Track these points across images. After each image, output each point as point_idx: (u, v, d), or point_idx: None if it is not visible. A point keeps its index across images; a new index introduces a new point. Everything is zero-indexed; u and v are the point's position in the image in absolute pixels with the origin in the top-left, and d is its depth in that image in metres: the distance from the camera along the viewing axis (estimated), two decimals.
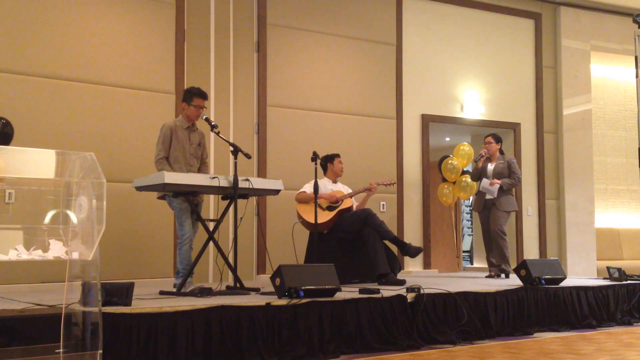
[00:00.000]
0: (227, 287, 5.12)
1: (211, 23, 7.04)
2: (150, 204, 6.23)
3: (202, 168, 5.51)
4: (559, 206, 9.21)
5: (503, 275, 6.85)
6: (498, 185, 6.86)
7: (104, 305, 3.51)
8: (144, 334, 3.61)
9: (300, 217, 6.34)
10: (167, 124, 5.32)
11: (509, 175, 6.92)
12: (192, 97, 5.31)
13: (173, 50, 6.78)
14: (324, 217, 6.28)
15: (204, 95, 5.35)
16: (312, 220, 5.96)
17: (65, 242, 2.98)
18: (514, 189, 7.14)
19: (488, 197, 6.98)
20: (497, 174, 6.94)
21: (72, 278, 3.00)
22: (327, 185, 6.52)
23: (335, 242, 6.36)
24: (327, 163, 6.61)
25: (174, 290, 4.93)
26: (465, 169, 8.39)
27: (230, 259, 5.28)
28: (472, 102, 8.70)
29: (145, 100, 6.59)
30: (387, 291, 4.80)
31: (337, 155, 6.65)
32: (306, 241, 6.45)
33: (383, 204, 7.90)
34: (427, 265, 8.26)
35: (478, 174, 7.08)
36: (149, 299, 4.37)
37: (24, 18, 6.04)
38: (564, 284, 5.80)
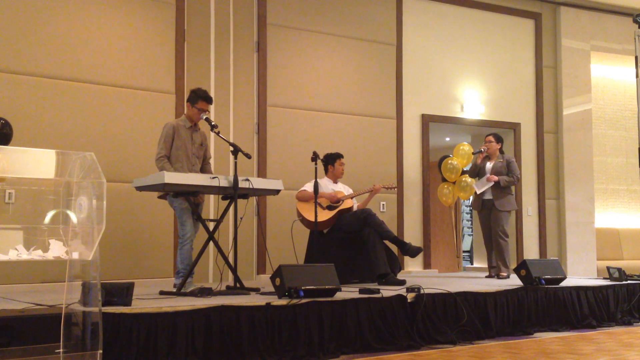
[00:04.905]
0: (227, 287, 5.12)
1: (211, 23, 7.04)
2: (150, 204, 6.24)
3: (205, 168, 5.50)
4: (559, 206, 9.20)
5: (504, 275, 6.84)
6: (492, 183, 6.84)
7: (104, 305, 3.51)
8: (144, 334, 3.61)
9: (300, 215, 6.34)
10: (170, 123, 5.31)
11: (508, 174, 6.91)
12: (198, 99, 5.29)
13: (173, 50, 6.78)
14: (324, 215, 6.29)
15: (209, 100, 5.34)
16: (312, 219, 5.95)
17: (65, 242, 2.99)
18: (513, 188, 7.12)
19: (487, 197, 6.97)
20: (495, 173, 6.92)
21: (72, 278, 3.00)
22: (328, 185, 6.52)
23: (335, 242, 6.36)
24: (327, 164, 6.59)
25: (174, 290, 4.93)
26: (465, 169, 8.39)
27: (230, 259, 5.28)
28: (472, 102, 8.70)
29: (145, 100, 6.59)
30: (387, 291, 4.80)
31: (340, 157, 6.59)
32: (306, 241, 6.45)
33: (383, 204, 7.90)
34: (427, 265, 8.25)
35: (476, 172, 7.09)
36: (149, 299, 4.37)
37: (24, 18, 6.04)
38: (564, 284, 5.80)
